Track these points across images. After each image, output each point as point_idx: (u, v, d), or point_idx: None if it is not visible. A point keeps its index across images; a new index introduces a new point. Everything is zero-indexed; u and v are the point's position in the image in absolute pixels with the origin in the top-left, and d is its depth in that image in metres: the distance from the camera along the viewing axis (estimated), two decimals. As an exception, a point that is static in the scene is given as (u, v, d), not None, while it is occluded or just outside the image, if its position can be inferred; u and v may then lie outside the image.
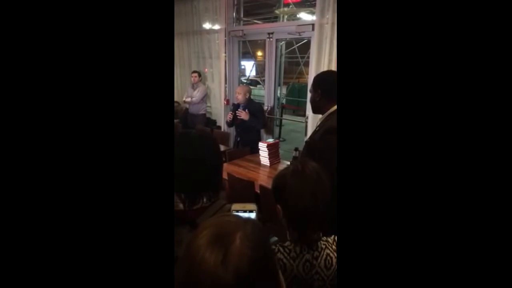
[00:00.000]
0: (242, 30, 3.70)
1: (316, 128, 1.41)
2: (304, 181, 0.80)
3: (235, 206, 0.68)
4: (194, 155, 0.76)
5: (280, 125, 5.45)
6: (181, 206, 0.76)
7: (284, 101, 5.93)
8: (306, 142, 1.42)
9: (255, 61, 5.12)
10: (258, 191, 2.05)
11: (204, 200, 0.77)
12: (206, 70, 4.40)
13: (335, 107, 1.34)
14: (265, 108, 3.68)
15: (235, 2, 3.81)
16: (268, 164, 2.62)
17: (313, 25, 2.94)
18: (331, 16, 2.75)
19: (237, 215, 0.54)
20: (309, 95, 1.49)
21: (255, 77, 6.67)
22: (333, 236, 0.86)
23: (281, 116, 4.68)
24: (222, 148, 3.15)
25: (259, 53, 7.12)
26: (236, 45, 3.97)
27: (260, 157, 2.67)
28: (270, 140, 2.75)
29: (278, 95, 3.95)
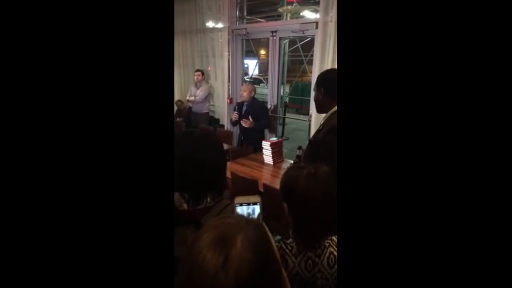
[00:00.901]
0: (246, 29, 3.69)
1: (320, 127, 1.41)
2: (317, 185, 0.81)
3: (238, 199, 0.66)
4: (197, 155, 0.76)
5: (283, 124, 5.43)
6: (185, 206, 0.76)
7: (287, 99, 5.91)
8: (310, 141, 1.42)
9: (258, 59, 5.11)
10: (262, 190, 2.05)
11: (208, 200, 0.77)
12: (209, 68, 4.40)
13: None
14: (269, 106, 3.68)
15: (238, 1, 3.80)
16: (272, 163, 2.62)
17: (316, 23, 2.92)
18: (334, 14, 2.73)
19: (240, 216, 0.53)
20: (312, 93, 1.49)
21: (258, 75, 6.66)
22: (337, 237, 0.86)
23: (284, 114, 4.68)
24: (225, 147, 3.13)
25: (262, 52, 7.11)
26: (239, 43, 3.97)
27: (264, 155, 2.67)
28: (274, 139, 2.74)
29: (281, 93, 3.94)
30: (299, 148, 2.40)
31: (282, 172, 2.46)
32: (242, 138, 3.26)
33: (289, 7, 3.73)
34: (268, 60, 3.78)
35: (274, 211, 0.80)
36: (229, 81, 4.02)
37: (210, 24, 4.14)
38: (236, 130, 3.72)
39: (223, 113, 4.21)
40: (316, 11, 3.34)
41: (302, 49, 4.03)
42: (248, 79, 4.91)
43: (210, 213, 0.76)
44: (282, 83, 3.91)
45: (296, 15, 3.78)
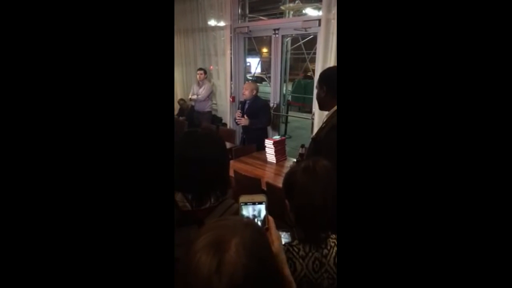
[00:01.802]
0: (248, 27, 3.68)
1: (322, 124, 1.40)
2: (315, 179, 0.80)
3: (243, 198, 0.65)
4: (199, 154, 0.76)
5: (286, 122, 5.42)
6: (188, 206, 0.76)
7: (290, 98, 5.89)
8: (312, 139, 1.41)
9: (260, 58, 5.10)
10: (265, 188, 2.05)
11: (212, 200, 0.77)
12: (211, 67, 4.39)
13: (341, 103, 1.33)
14: (271, 105, 3.67)
15: (240, -1, 3.80)
16: (275, 161, 2.62)
17: (319, 20, 2.91)
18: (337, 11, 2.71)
19: (239, 218, 0.52)
20: (315, 91, 1.48)
21: (260, 74, 6.64)
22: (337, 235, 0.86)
23: (287, 113, 4.66)
24: (228, 145, 3.15)
25: (265, 50, 7.09)
26: (241, 41, 3.96)
27: (266, 154, 2.67)
28: (276, 137, 2.74)
29: (284, 92, 3.93)
30: (302, 146, 2.40)
31: (285, 170, 2.47)
32: (245, 136, 3.26)
33: (291, 4, 3.71)
34: (270, 58, 3.77)
35: (277, 209, 0.79)
36: (231, 80, 4.01)
37: (212, 22, 4.13)
38: (239, 129, 3.72)
39: (226, 111, 4.21)
40: (318, 8, 3.32)
41: (304, 47, 4.01)
42: (251, 78, 4.90)
43: (214, 213, 0.76)
44: (285, 81, 3.90)
45: (298, 12, 3.76)
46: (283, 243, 0.65)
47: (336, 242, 0.83)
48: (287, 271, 0.61)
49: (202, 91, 4.08)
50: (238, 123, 3.02)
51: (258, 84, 3.44)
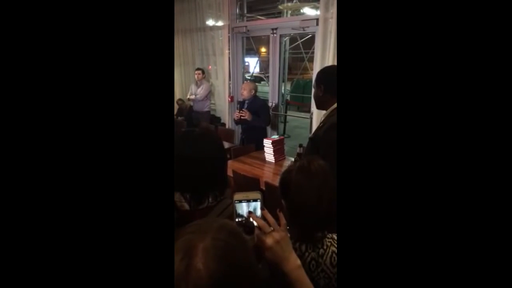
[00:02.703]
0: (246, 26, 3.68)
1: (320, 124, 1.40)
2: (310, 178, 0.80)
3: (237, 196, 0.63)
4: (197, 154, 0.75)
5: (285, 122, 5.43)
6: (186, 206, 0.75)
7: (288, 97, 5.90)
8: (310, 138, 1.41)
9: (259, 57, 5.10)
10: (263, 188, 2.05)
11: (210, 199, 0.77)
12: (210, 67, 4.39)
13: (339, 102, 1.32)
14: (270, 104, 3.67)
15: (238, -2, 3.80)
16: (273, 161, 2.62)
17: (317, 20, 2.91)
18: (335, 11, 2.72)
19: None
20: (313, 91, 1.48)
21: (259, 73, 6.64)
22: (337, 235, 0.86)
23: (286, 112, 4.67)
24: (226, 145, 3.15)
25: (263, 49, 7.09)
26: (239, 41, 3.96)
27: (265, 153, 2.67)
28: (275, 137, 2.74)
29: (283, 91, 3.93)
30: (300, 145, 2.40)
31: (283, 170, 2.45)
32: (244, 136, 3.26)
33: (289, 4, 3.71)
34: (269, 58, 3.78)
35: (275, 209, 0.79)
36: (230, 79, 4.01)
37: (210, 22, 4.13)
38: (237, 129, 3.72)
39: (224, 111, 4.20)
40: (316, 7, 3.32)
41: (303, 46, 4.02)
42: (249, 77, 4.90)
43: (212, 213, 0.76)
44: (283, 81, 3.90)
45: (296, 12, 3.76)
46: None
47: (332, 242, 0.83)
48: (289, 267, 0.60)
49: (201, 91, 4.07)
50: (242, 118, 3.00)
51: (257, 83, 3.44)
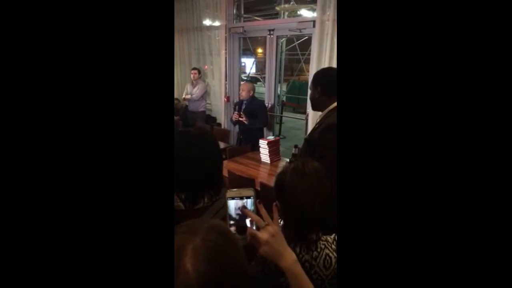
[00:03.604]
0: (243, 27, 3.68)
1: (316, 125, 1.41)
2: (303, 180, 0.80)
3: (230, 193, 0.62)
4: (193, 154, 0.75)
5: (280, 123, 5.43)
6: (182, 206, 0.75)
7: (284, 98, 5.91)
8: (305, 139, 1.42)
9: (255, 58, 5.10)
10: (259, 189, 2.05)
11: (205, 199, 0.77)
12: (206, 67, 4.38)
13: (335, 104, 1.33)
14: (266, 105, 3.67)
15: (236, -1, 3.80)
16: (269, 162, 2.62)
17: (314, 21, 2.93)
18: (332, 13, 2.73)
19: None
20: (309, 92, 1.49)
21: (255, 74, 6.65)
22: (333, 235, 0.86)
23: (281, 113, 4.67)
24: (222, 145, 3.15)
25: (260, 50, 7.09)
26: (236, 42, 3.96)
27: (261, 154, 2.67)
28: (271, 138, 2.74)
29: (279, 92, 3.94)
30: (295, 146, 2.41)
31: (278, 170, 2.46)
32: (241, 137, 3.26)
33: (286, 5, 3.72)
34: (265, 59, 3.78)
35: (271, 210, 0.79)
36: (226, 80, 4.01)
37: (207, 22, 4.12)
38: (233, 129, 3.72)
39: (220, 111, 4.20)
40: (313, 9, 3.33)
41: (299, 48, 4.03)
42: (245, 78, 4.90)
43: (207, 213, 0.76)
44: (279, 82, 3.91)
45: (293, 13, 3.78)
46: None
47: (326, 245, 0.83)
48: (286, 261, 0.60)
49: (196, 91, 4.06)
50: (239, 120, 3.00)
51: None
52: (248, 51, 4.84)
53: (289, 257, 0.61)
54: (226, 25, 3.80)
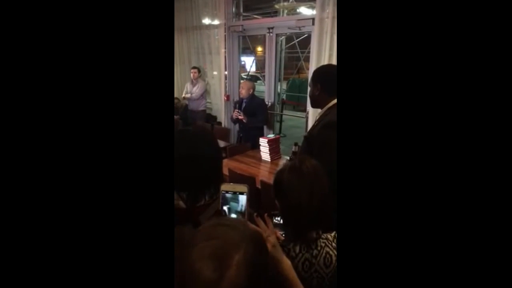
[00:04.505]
0: (242, 25, 3.67)
1: (315, 122, 1.40)
2: (301, 178, 0.80)
3: (224, 186, 0.64)
4: (193, 152, 0.75)
5: (281, 121, 5.43)
6: (182, 204, 0.75)
7: (284, 96, 5.90)
8: (305, 137, 1.42)
9: (255, 56, 5.09)
10: (259, 187, 2.06)
11: (206, 197, 0.77)
12: (205, 66, 4.38)
13: (335, 101, 1.33)
14: (266, 103, 3.67)
15: (234, -3, 3.78)
16: (269, 160, 2.62)
17: (313, 19, 2.92)
18: (331, 10, 2.72)
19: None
20: (309, 89, 1.48)
21: (255, 72, 6.64)
22: (334, 232, 0.86)
23: (282, 111, 4.67)
24: (222, 144, 3.15)
25: (259, 49, 7.07)
26: (236, 40, 3.95)
27: (261, 152, 2.67)
28: (271, 136, 2.74)
29: (279, 90, 3.93)
30: (295, 144, 2.41)
31: (277, 169, 2.46)
32: (241, 135, 3.26)
33: (285, 3, 3.71)
34: (265, 57, 3.77)
35: (271, 208, 0.79)
36: (225, 78, 4.00)
37: (206, 21, 4.11)
38: (234, 128, 3.72)
39: (220, 110, 4.19)
40: (312, 7, 3.32)
41: (298, 46, 4.02)
42: (245, 76, 4.89)
43: (208, 211, 0.76)
44: (279, 80, 3.90)
45: (292, 11, 3.77)
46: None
47: (326, 243, 0.83)
48: (284, 267, 0.65)
49: (196, 90, 4.06)
50: (238, 117, 3.01)
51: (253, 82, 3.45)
52: (247, 50, 4.83)
53: (286, 263, 0.68)
54: (225, 23, 3.79)
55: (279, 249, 0.67)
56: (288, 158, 2.63)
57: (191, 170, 0.75)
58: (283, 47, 4.03)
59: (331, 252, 0.82)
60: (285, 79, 5.81)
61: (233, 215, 0.65)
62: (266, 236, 0.64)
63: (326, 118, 1.30)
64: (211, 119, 4.31)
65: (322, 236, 0.84)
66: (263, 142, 2.63)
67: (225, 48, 3.88)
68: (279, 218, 0.94)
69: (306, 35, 3.56)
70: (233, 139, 3.78)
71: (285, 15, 3.74)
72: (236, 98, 3.77)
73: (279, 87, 3.94)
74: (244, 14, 4.01)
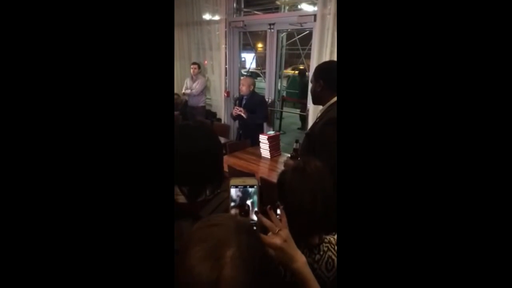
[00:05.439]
0: (243, 21, 3.65)
1: (316, 119, 1.40)
2: (304, 179, 0.79)
3: (234, 181, 0.63)
4: (193, 147, 0.75)
5: (281, 118, 5.42)
6: (183, 199, 0.75)
7: (284, 93, 5.88)
8: (306, 134, 1.41)
9: (255, 53, 5.07)
10: (259, 184, 2.05)
11: (207, 192, 0.76)
12: (206, 62, 4.35)
13: (336, 97, 1.32)
14: (266, 100, 3.66)
15: (236, -8, 3.76)
16: (269, 157, 2.62)
17: (315, 15, 2.90)
18: (333, 7, 2.70)
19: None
20: (310, 85, 1.47)
21: (255, 69, 6.61)
22: (336, 235, 0.85)
23: (282, 108, 4.66)
24: (222, 140, 3.14)
25: (260, 45, 7.04)
26: (236, 36, 3.93)
27: (261, 149, 2.66)
28: (271, 133, 2.73)
29: (279, 87, 3.91)
30: (297, 141, 2.40)
31: (279, 165, 2.47)
32: (241, 132, 3.25)
33: (287, -1, 3.69)
34: (265, 53, 3.75)
35: (272, 206, 0.78)
36: (226, 74, 3.98)
37: (206, 16, 4.08)
38: (233, 124, 3.71)
39: (220, 106, 4.18)
40: (314, 3, 3.30)
41: (300, 42, 4.00)
42: (245, 73, 4.87)
43: (209, 206, 0.76)
44: (280, 77, 3.88)
45: (294, 7, 3.74)
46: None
47: (329, 247, 0.82)
48: (298, 264, 0.62)
49: (196, 86, 4.04)
50: (238, 113, 3.00)
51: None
52: (248, 46, 4.81)
53: (300, 259, 0.63)
54: (226, 19, 3.76)
55: (292, 244, 0.63)
56: (288, 155, 2.62)
57: (192, 165, 0.75)
58: (284, 43, 4.00)
59: (333, 257, 0.81)
60: (284, 77, 5.79)
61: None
62: (278, 230, 0.61)
63: (328, 114, 1.29)
64: (211, 115, 4.30)
65: (325, 240, 0.83)
66: (263, 139, 2.63)
67: (226, 44, 3.85)
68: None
69: (307, 32, 3.54)
70: (233, 135, 3.77)
71: (286, 11, 3.72)
72: (236, 95, 3.76)
73: (279, 84, 3.92)
74: (245, 9, 3.99)
